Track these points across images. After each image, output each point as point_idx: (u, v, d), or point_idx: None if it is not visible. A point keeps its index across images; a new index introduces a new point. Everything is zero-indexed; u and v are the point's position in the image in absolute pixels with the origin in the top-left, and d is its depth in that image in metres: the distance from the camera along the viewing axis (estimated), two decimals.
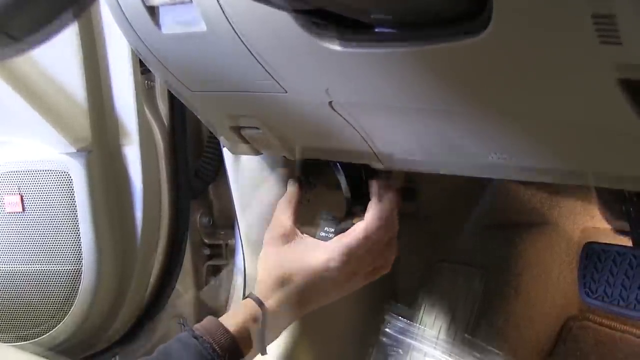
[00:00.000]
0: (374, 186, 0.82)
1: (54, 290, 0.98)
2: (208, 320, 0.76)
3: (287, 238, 0.82)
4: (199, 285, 1.10)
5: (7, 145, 1.01)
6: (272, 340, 0.81)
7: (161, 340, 0.87)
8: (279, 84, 0.67)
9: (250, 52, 0.64)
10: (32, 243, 0.99)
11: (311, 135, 0.77)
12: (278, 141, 0.81)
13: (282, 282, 0.79)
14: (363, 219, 0.80)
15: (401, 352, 0.94)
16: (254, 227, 0.98)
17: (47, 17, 0.39)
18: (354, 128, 0.70)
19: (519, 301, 1.06)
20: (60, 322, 0.98)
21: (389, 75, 0.58)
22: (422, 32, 0.52)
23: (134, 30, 0.71)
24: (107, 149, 0.99)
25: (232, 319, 0.76)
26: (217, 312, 0.94)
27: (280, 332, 0.83)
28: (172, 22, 0.67)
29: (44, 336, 0.99)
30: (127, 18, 0.70)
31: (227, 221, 1.11)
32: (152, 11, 0.68)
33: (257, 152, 0.88)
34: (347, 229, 0.81)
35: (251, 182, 0.97)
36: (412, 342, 0.94)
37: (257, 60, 0.64)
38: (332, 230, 0.83)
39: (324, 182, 0.90)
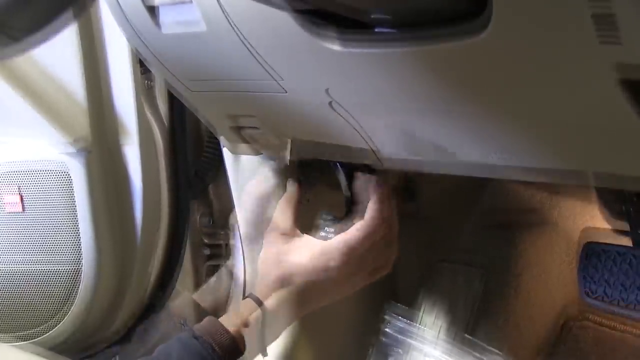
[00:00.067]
0: (374, 186, 0.82)
1: (53, 290, 0.99)
2: (208, 320, 0.76)
3: (287, 238, 0.82)
4: (199, 285, 1.10)
5: (7, 145, 1.01)
6: (272, 341, 0.81)
7: (161, 340, 0.87)
8: (278, 84, 0.67)
9: (250, 52, 0.64)
10: (32, 243, 0.99)
11: (311, 135, 0.77)
12: (278, 141, 0.81)
13: (282, 282, 0.79)
14: (363, 219, 0.80)
15: (401, 352, 0.94)
16: (253, 227, 0.98)
17: (47, 17, 0.39)
18: (353, 128, 0.70)
19: (519, 301, 1.06)
20: (60, 321, 0.98)
21: (389, 75, 0.58)
22: (422, 32, 0.52)
23: (134, 29, 0.71)
24: (106, 148, 0.99)
25: (232, 319, 0.76)
26: (217, 312, 0.94)
27: (281, 332, 0.83)
28: (172, 22, 0.67)
29: (43, 336, 0.99)
30: (127, 18, 0.70)
31: (227, 221, 1.11)
32: (152, 11, 0.67)
33: (257, 152, 0.88)
34: (347, 229, 0.81)
35: None
36: (412, 342, 0.94)
37: (257, 60, 0.64)
38: (332, 230, 0.83)
39: (324, 182, 0.90)
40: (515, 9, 0.45)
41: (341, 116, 0.68)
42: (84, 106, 0.95)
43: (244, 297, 0.80)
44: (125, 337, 1.04)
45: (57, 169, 0.97)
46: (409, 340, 0.94)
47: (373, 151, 0.73)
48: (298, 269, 0.79)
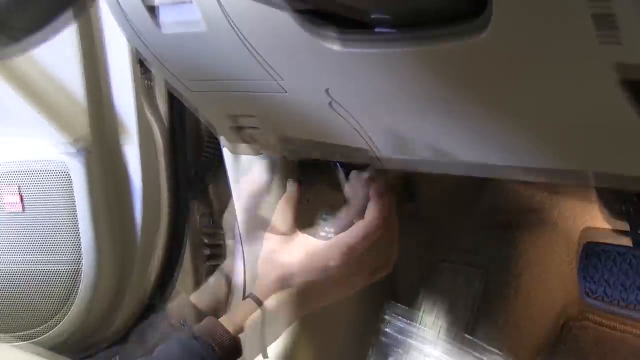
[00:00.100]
0: (374, 186, 0.82)
1: (53, 290, 0.99)
2: (208, 320, 0.76)
3: (287, 238, 0.82)
4: (198, 285, 1.10)
5: (7, 145, 1.01)
6: (273, 341, 0.81)
7: (161, 340, 0.87)
8: (278, 84, 0.67)
9: (250, 52, 0.64)
10: (31, 243, 0.99)
11: (311, 135, 0.77)
12: (278, 141, 0.81)
13: (282, 282, 0.79)
14: (363, 219, 0.80)
15: (401, 352, 0.94)
16: (247, 225, 0.98)
17: (46, 17, 0.39)
18: (353, 128, 0.70)
19: (519, 301, 1.05)
20: (60, 321, 0.98)
21: (389, 76, 0.58)
22: (422, 32, 0.52)
23: (134, 30, 0.71)
24: (106, 148, 0.99)
25: (232, 319, 0.76)
26: (217, 312, 0.94)
27: (281, 333, 0.83)
28: (172, 22, 0.67)
29: (43, 336, 0.99)
30: (127, 18, 0.70)
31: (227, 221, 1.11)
32: (152, 11, 0.67)
33: (257, 152, 0.88)
34: (347, 229, 0.80)
35: None
36: (412, 342, 0.94)
37: (257, 61, 0.64)
38: (332, 230, 0.83)
39: (324, 182, 0.90)
40: (515, 9, 0.45)
41: (341, 116, 0.68)
42: (84, 106, 0.95)
43: (244, 297, 0.80)
44: (125, 337, 1.04)
45: (57, 169, 0.97)
46: (409, 340, 0.94)
47: (373, 151, 0.73)
48: (298, 269, 0.79)
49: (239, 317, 0.76)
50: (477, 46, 0.49)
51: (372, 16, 0.54)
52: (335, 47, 0.57)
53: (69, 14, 0.40)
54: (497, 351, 0.89)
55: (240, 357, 0.75)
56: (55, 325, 0.99)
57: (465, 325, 1.04)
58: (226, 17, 0.62)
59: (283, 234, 0.82)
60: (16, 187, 0.99)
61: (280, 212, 0.85)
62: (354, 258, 0.79)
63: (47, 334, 0.99)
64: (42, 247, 0.99)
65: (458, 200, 1.09)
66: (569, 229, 1.05)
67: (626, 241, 0.87)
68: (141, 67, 0.96)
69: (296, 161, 0.87)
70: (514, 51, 0.48)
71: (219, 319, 0.76)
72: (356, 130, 0.70)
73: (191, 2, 0.63)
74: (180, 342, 0.73)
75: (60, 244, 0.98)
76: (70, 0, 0.39)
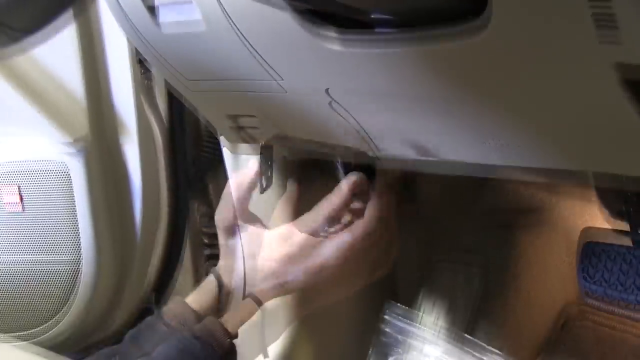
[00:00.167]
0: (373, 186, 0.82)
1: (53, 290, 0.99)
2: (208, 320, 0.76)
3: (287, 237, 0.82)
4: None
5: (7, 144, 1.01)
6: (273, 341, 0.81)
7: (160, 341, 0.87)
8: (278, 84, 0.67)
9: (249, 52, 0.64)
10: (31, 243, 0.99)
11: (311, 135, 0.77)
12: (278, 141, 0.81)
13: (282, 282, 0.79)
14: (363, 218, 0.80)
15: (401, 352, 0.94)
16: (253, 227, 0.97)
17: (46, 17, 0.39)
18: (353, 128, 0.70)
19: (519, 301, 1.05)
20: (60, 321, 0.99)
21: (389, 76, 0.58)
22: (422, 32, 0.52)
23: (135, 30, 0.71)
24: (105, 146, 0.99)
25: (232, 319, 0.76)
26: (217, 313, 0.94)
27: (281, 333, 0.83)
28: (172, 22, 0.67)
29: (43, 336, 0.99)
30: (127, 17, 0.70)
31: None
32: (152, 11, 0.67)
33: (257, 152, 0.88)
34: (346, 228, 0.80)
35: None
36: (412, 342, 0.94)
37: (257, 61, 0.64)
38: (332, 230, 0.83)
39: (324, 182, 0.90)
40: (515, 9, 0.45)
41: (341, 116, 0.68)
42: (83, 104, 0.95)
43: (244, 298, 0.80)
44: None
45: (57, 169, 0.97)
46: (409, 340, 0.94)
47: (373, 151, 0.73)
48: (298, 269, 0.79)
49: (238, 317, 0.76)
50: (477, 46, 0.49)
51: (372, 16, 0.54)
52: (335, 47, 0.57)
53: (68, 13, 0.40)
54: (497, 351, 0.88)
55: (240, 357, 0.75)
56: (56, 325, 0.99)
57: (465, 325, 1.04)
58: (226, 17, 0.62)
59: (283, 233, 0.82)
60: (16, 187, 0.99)
61: (280, 212, 0.85)
62: (353, 257, 0.79)
63: (47, 333, 0.99)
64: (42, 247, 0.99)
65: (458, 200, 1.09)
66: (569, 228, 1.05)
67: (626, 241, 0.87)
68: (141, 66, 0.96)
69: (296, 161, 0.87)
70: (514, 51, 0.48)
71: (219, 319, 0.76)
72: (356, 130, 0.70)
73: (191, 2, 0.63)
74: (180, 342, 0.73)
75: (60, 244, 0.98)
76: (69, 0, 0.39)
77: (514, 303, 1.05)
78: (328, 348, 1.02)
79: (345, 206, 0.80)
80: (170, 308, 0.76)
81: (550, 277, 1.06)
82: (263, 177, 0.82)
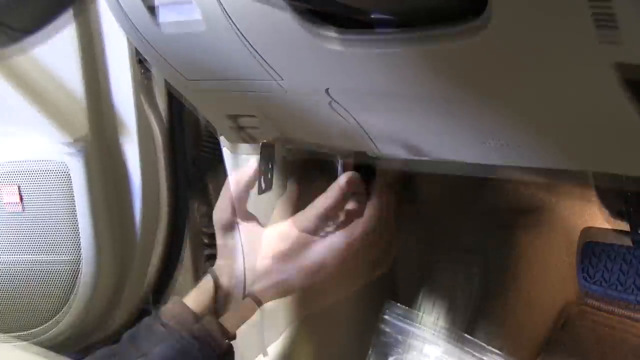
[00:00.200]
0: (373, 185, 0.82)
1: (53, 289, 0.99)
2: (206, 321, 0.76)
3: (283, 235, 0.82)
4: None
5: (6, 143, 1.01)
6: (273, 341, 0.81)
7: (159, 341, 0.87)
8: (278, 84, 0.67)
9: (249, 52, 0.64)
10: (31, 242, 0.99)
11: (311, 135, 0.77)
12: (278, 141, 0.81)
13: (282, 281, 0.79)
14: (362, 218, 0.80)
15: (401, 352, 0.94)
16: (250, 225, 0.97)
17: (46, 17, 0.39)
18: (353, 128, 0.70)
19: (519, 301, 1.05)
20: (60, 321, 0.99)
21: (389, 76, 0.58)
22: (422, 32, 0.52)
23: (135, 29, 0.71)
24: (105, 145, 0.99)
25: (232, 319, 0.76)
26: (216, 313, 0.94)
27: (281, 332, 0.83)
28: (172, 22, 0.67)
29: (43, 336, 0.99)
30: (127, 17, 0.70)
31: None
32: (152, 11, 0.67)
33: (257, 152, 0.88)
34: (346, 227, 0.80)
35: None
36: (412, 342, 0.94)
37: (257, 60, 0.64)
38: (329, 229, 0.83)
39: (324, 182, 0.90)
40: (515, 9, 0.45)
41: (341, 116, 0.68)
42: (83, 103, 0.95)
43: (244, 298, 0.80)
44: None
45: (57, 169, 0.97)
46: (409, 340, 0.94)
47: (373, 151, 0.73)
48: (297, 269, 0.79)
49: (238, 317, 0.76)
50: (477, 46, 0.49)
51: (372, 16, 0.54)
52: (335, 47, 0.57)
53: (68, 13, 0.40)
54: (497, 351, 0.88)
55: (240, 357, 0.75)
56: (55, 325, 0.99)
57: (465, 325, 1.04)
58: (226, 17, 0.62)
59: (282, 233, 0.82)
60: (16, 187, 0.99)
61: (280, 212, 0.85)
62: (352, 256, 0.79)
63: (47, 334, 0.99)
64: (41, 246, 0.99)
65: (458, 200, 1.09)
66: (569, 228, 1.05)
67: (626, 241, 0.87)
68: (141, 66, 0.96)
69: (296, 161, 0.87)
70: (514, 51, 0.48)
71: (219, 319, 0.76)
72: (356, 130, 0.70)
73: (191, 2, 0.63)
74: (178, 343, 0.73)
75: (59, 244, 0.98)
76: (69, 0, 0.39)
77: (514, 303, 1.05)
78: (328, 348, 1.02)
79: (341, 204, 0.80)
80: (168, 308, 0.75)
81: (550, 277, 1.06)
82: (262, 178, 0.81)
